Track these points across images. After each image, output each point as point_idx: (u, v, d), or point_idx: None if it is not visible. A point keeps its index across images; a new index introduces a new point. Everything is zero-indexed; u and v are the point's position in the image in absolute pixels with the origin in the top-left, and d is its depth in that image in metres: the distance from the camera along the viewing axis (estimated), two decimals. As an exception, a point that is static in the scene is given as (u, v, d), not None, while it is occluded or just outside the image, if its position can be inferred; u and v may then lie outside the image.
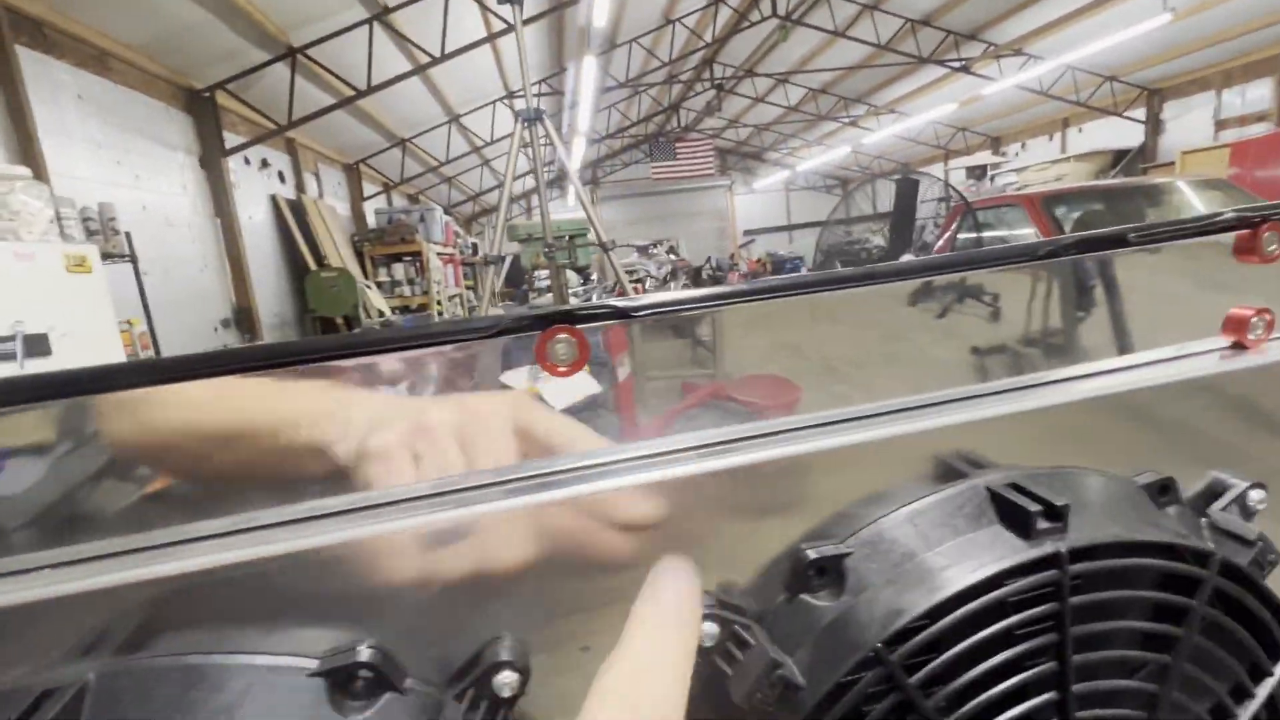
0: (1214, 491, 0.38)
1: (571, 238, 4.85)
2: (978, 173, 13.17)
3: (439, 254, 10.38)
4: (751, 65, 13.84)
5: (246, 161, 7.60)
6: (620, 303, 0.33)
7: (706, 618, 0.33)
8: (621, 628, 0.29)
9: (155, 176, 5.97)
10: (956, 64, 11.20)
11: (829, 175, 22.76)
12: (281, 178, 8.56)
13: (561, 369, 0.30)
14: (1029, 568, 0.32)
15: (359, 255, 9.60)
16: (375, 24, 6.86)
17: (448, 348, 0.33)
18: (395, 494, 0.32)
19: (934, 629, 0.31)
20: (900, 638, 0.31)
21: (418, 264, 9.63)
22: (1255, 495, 0.38)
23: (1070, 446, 0.38)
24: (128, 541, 0.30)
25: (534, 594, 0.32)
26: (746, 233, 18.85)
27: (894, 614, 0.31)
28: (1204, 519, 0.36)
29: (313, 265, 8.28)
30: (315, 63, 7.04)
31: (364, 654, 0.30)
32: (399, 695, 0.30)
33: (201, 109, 6.75)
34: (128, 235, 4.46)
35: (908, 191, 4.27)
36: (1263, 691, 0.35)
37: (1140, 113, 11.72)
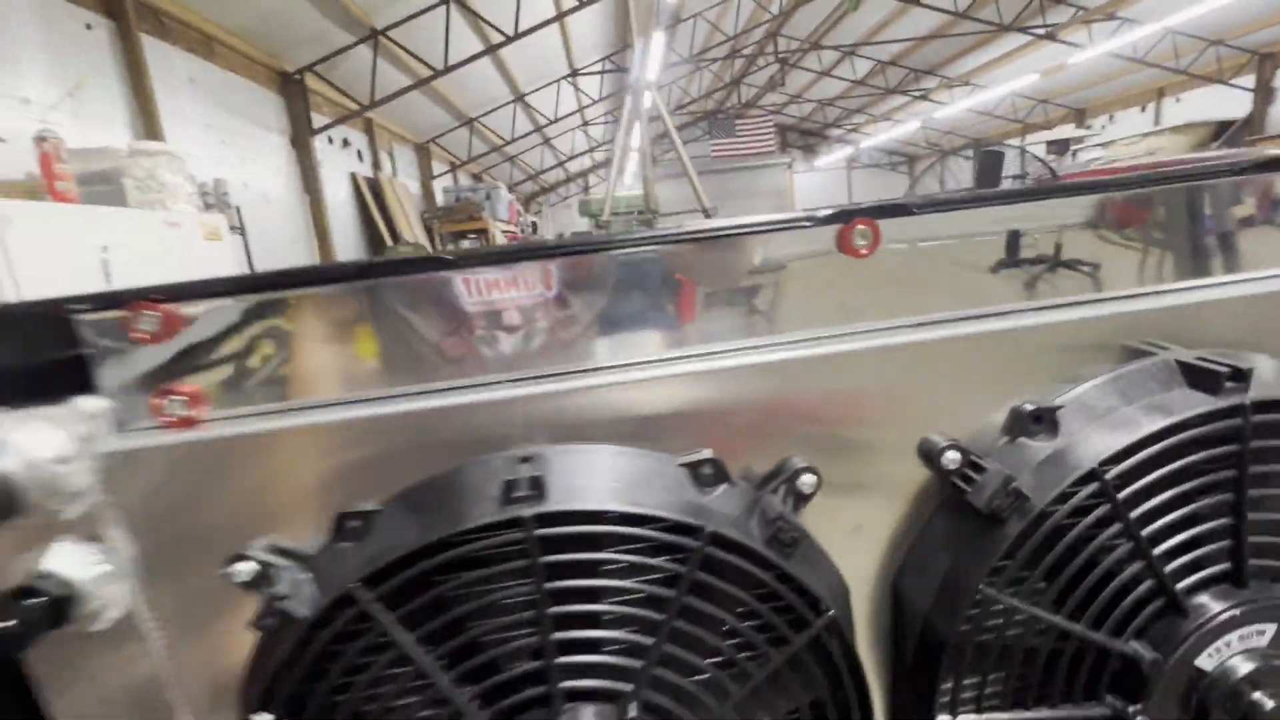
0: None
1: (641, 211, 4.95)
2: (1059, 147, 12.43)
3: (504, 231, 10.67)
4: (817, 38, 13.42)
5: (330, 141, 8.00)
6: (887, 203, 0.43)
7: (948, 448, 0.43)
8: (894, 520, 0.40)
9: (255, 156, 6.39)
10: (1041, 31, 10.55)
11: (894, 152, 21.91)
12: (360, 156, 8.97)
13: (862, 252, 0.41)
14: (1219, 415, 0.40)
15: (428, 231, 9.98)
16: (451, 4, 7.06)
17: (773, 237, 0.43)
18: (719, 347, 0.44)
19: (1140, 456, 0.40)
20: (1109, 462, 0.40)
21: (483, 241, 9.93)
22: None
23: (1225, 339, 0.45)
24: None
25: (820, 435, 0.43)
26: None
27: (1105, 445, 0.40)
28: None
29: (389, 240, 8.68)
30: (395, 43, 7.31)
31: (706, 453, 0.41)
32: (731, 485, 0.42)
33: (292, 91, 7.14)
34: (238, 209, 4.83)
35: (991, 165, 4.14)
36: None
37: (1248, 80, 10.77)
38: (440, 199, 11.16)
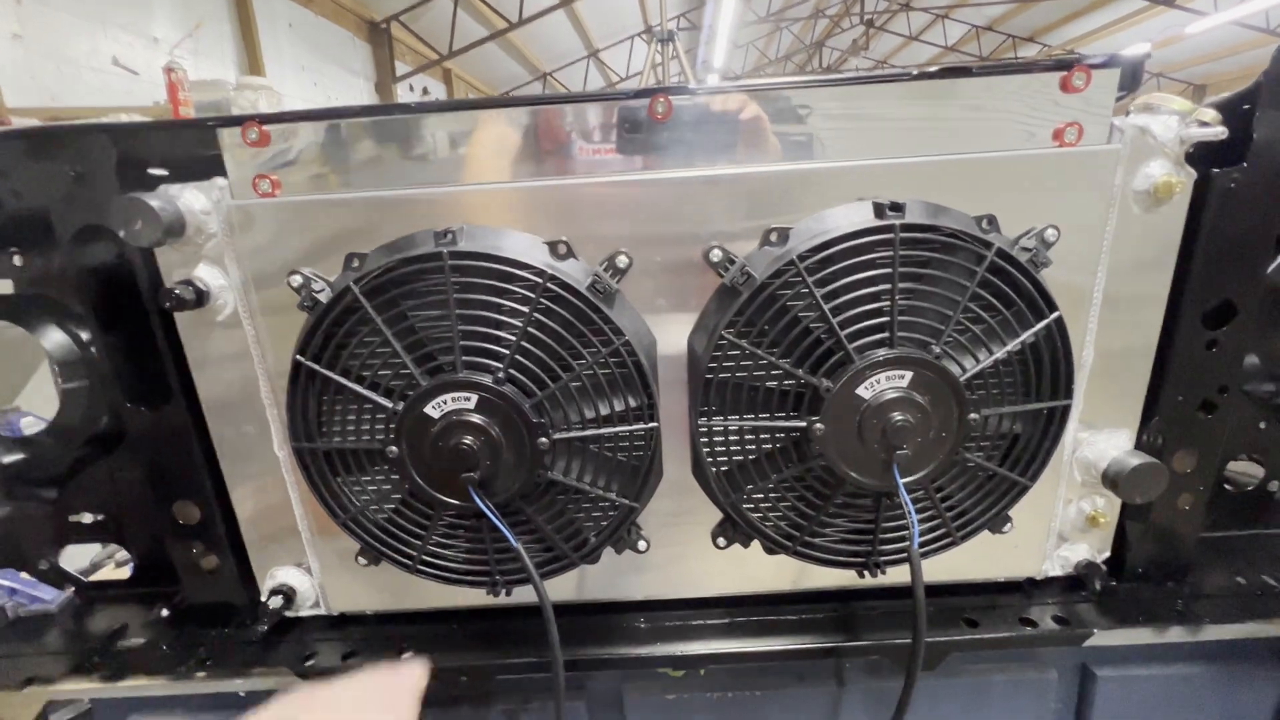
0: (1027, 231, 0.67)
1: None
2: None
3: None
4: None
5: (410, 89, 8.47)
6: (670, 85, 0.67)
7: (715, 248, 0.68)
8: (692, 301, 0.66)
9: (342, 98, 6.91)
10: (1157, -4, 9.71)
11: (985, 126, 20.65)
12: (438, 105, 9.43)
13: (659, 116, 0.67)
14: (879, 230, 0.63)
15: (498, 182, 10.42)
16: (530, -43, 7.28)
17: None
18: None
19: (828, 252, 0.64)
20: (808, 254, 0.64)
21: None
22: (1050, 234, 0.66)
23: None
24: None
25: (645, 241, 0.69)
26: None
27: (808, 245, 0.64)
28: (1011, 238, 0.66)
29: (459, 187, 9.16)
30: (475, -5, 7.61)
31: (564, 238, 0.68)
32: (577, 260, 0.68)
33: (378, 38, 7.61)
34: (324, 146, 5.34)
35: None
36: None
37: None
38: (511, 151, 11.55)
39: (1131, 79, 0.70)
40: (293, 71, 6.06)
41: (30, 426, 2.61)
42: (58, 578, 0.97)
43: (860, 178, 0.69)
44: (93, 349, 0.83)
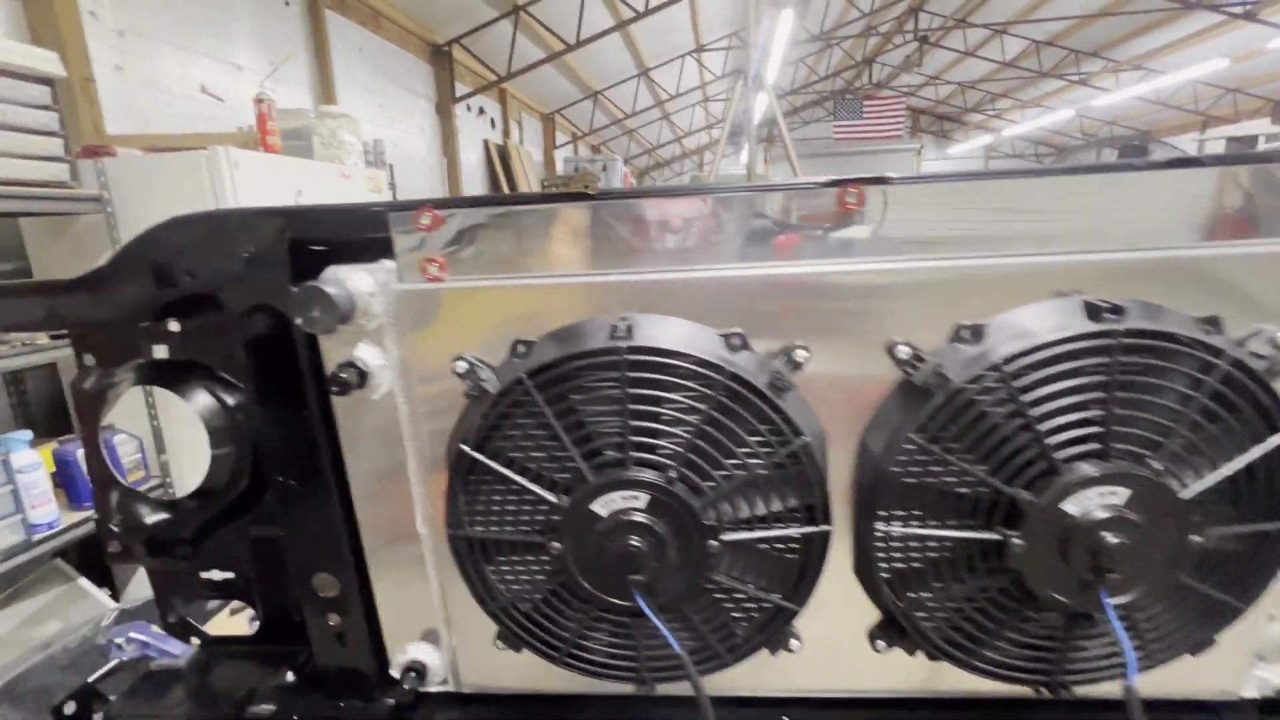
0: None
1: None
2: (1245, 144, 10.88)
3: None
4: (965, 14, 12.52)
5: (468, 109, 8.69)
6: (869, 177, 0.64)
7: (902, 344, 0.63)
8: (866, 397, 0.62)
9: (404, 119, 7.13)
10: (1238, 9, 9.25)
11: (1042, 142, 20.02)
12: (492, 124, 9.65)
13: (850, 206, 0.63)
14: (1098, 335, 0.58)
15: (547, 199, 10.57)
16: (588, -19, 7.40)
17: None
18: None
19: (1035, 357, 0.59)
20: (1013, 359, 0.59)
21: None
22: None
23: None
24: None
25: (822, 331, 0.65)
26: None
27: (1012, 348, 0.60)
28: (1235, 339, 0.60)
29: (511, 204, 9.33)
30: (534, 18, 7.78)
31: (737, 329, 0.65)
32: (751, 352, 0.65)
33: (440, 61, 7.83)
34: (391, 168, 5.49)
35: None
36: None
37: None
38: (560, 168, 11.73)
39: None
40: (360, 94, 6.27)
41: (122, 444, 2.73)
42: (184, 631, 0.98)
43: (1066, 271, 0.63)
44: (239, 416, 0.83)
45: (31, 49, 2.47)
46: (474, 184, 9.00)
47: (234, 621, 1.15)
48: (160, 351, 0.85)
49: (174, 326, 0.83)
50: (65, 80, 2.63)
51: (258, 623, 1.00)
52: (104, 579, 2.85)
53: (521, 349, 0.67)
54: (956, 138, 20.74)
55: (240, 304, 0.71)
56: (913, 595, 0.69)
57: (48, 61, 2.44)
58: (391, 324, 0.70)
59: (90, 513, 2.63)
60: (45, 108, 2.45)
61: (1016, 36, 13.01)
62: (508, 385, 0.64)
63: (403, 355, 0.71)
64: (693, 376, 0.63)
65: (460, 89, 8.22)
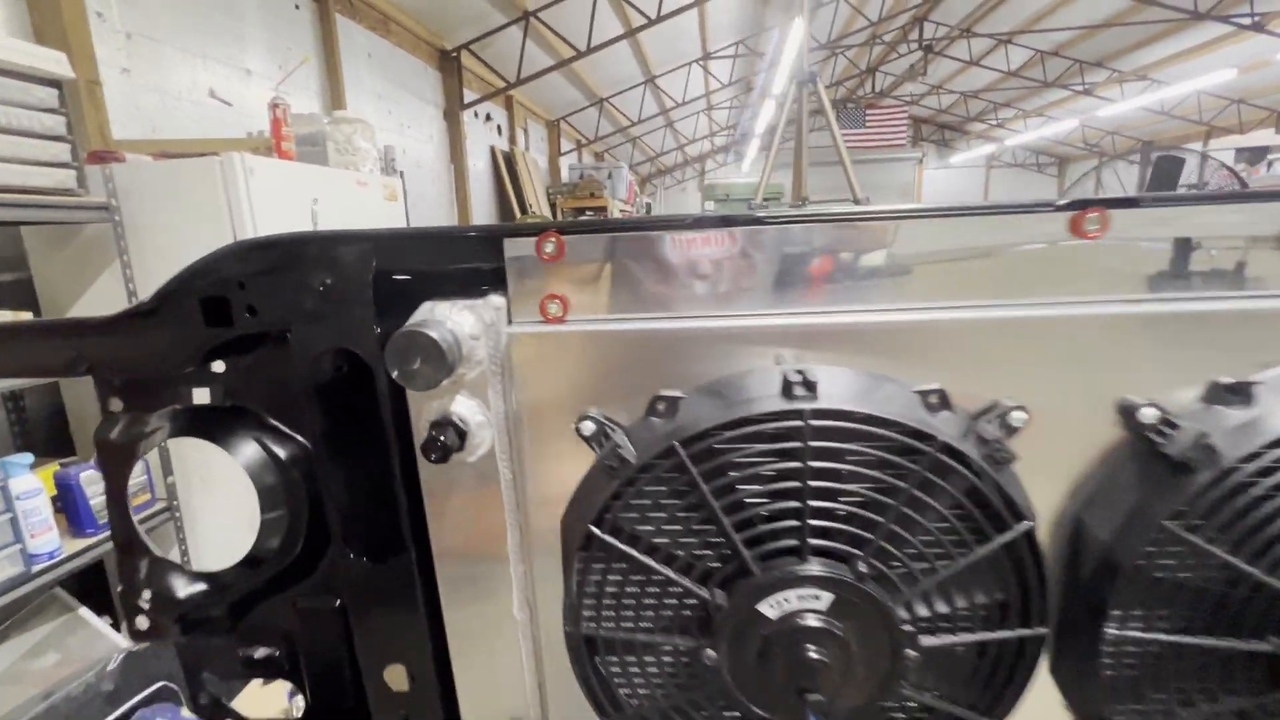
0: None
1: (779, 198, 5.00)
2: (1251, 156, 10.84)
3: (621, 210, 10.96)
4: (970, 24, 12.50)
5: (475, 115, 8.58)
6: (1116, 197, 0.51)
7: (1147, 406, 0.51)
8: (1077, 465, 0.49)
9: (413, 125, 7.02)
10: (1246, 20, 9.21)
11: (1044, 152, 20.05)
12: (499, 131, 9.54)
13: (1092, 235, 0.50)
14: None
15: (552, 206, 10.46)
16: (600, -13, 7.32)
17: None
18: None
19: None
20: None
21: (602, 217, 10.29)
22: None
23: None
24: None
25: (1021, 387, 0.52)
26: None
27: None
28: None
29: (518, 212, 9.21)
30: (544, 24, 7.69)
31: (936, 385, 0.52)
32: (952, 412, 0.53)
33: (448, 67, 7.73)
34: (401, 174, 5.37)
35: (1170, 171, 3.76)
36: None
37: None
38: (565, 175, 11.63)
39: None
40: (369, 100, 6.15)
41: (89, 482, 2.56)
42: (217, 715, 0.85)
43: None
44: (295, 473, 0.70)
45: (38, 49, 2.34)
46: (481, 191, 8.88)
47: (267, 692, 1.01)
48: (201, 396, 0.72)
49: (218, 368, 0.71)
50: (72, 83, 2.50)
51: (300, 700, 0.86)
52: (105, 606, 2.69)
53: (661, 406, 0.55)
54: (958, 146, 20.72)
55: (310, 347, 0.59)
56: (1138, 707, 0.56)
57: (55, 62, 2.31)
58: (495, 372, 0.58)
59: (92, 540, 2.48)
60: (52, 111, 2.32)
61: (1021, 46, 12.98)
62: (656, 455, 0.51)
63: (509, 410, 0.58)
64: (894, 448, 0.50)
65: (469, 95, 8.11)
